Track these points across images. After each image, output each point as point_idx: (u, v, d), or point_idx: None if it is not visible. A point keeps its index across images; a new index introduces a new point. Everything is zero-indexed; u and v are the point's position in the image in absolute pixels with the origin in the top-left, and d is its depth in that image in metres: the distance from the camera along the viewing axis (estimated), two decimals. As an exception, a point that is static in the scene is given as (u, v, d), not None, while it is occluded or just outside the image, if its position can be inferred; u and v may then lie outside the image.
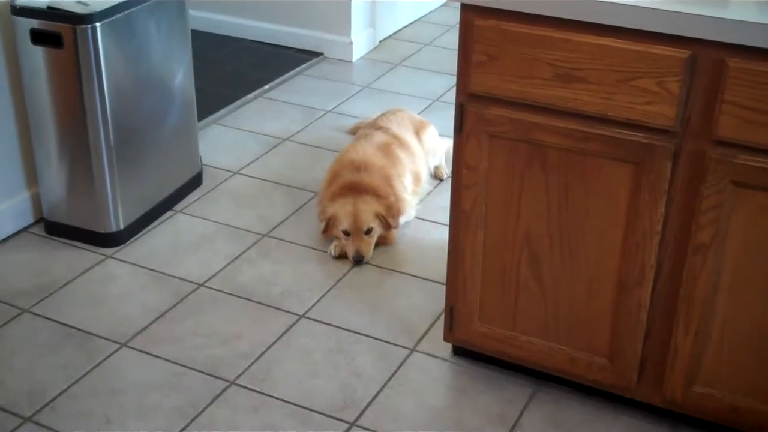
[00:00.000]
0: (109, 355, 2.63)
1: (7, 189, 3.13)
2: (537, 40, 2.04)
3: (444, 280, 2.47)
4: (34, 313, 2.79)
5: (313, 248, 3.14)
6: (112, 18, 2.88)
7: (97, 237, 3.12)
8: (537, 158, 2.16)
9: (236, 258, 3.08)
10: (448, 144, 3.48)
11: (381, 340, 2.70)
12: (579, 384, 2.43)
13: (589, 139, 2.08)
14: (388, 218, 3.10)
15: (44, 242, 3.15)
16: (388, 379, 2.55)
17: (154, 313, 2.80)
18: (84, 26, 2.82)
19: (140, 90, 3.11)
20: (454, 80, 2.24)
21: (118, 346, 2.66)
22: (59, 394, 2.48)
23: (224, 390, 2.50)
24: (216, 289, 2.92)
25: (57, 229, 3.16)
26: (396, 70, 4.63)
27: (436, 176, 3.62)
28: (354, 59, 4.72)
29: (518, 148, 2.17)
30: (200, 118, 3.69)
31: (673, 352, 2.20)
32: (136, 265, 3.04)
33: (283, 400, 2.47)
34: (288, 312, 2.82)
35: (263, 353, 2.64)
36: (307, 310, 2.83)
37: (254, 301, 2.86)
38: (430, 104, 4.23)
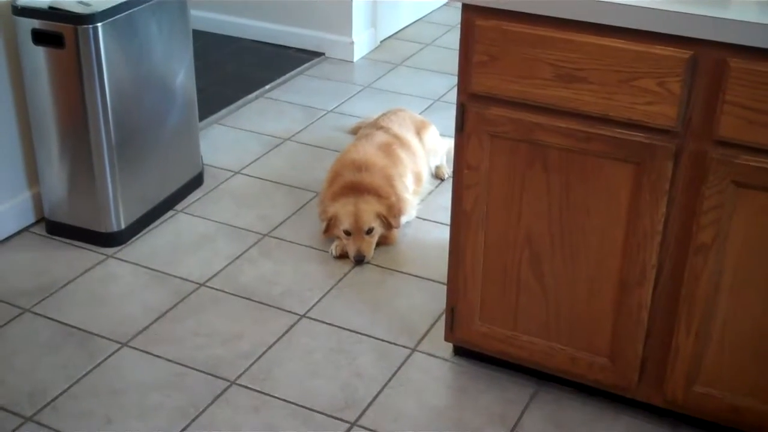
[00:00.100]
0: (110, 355, 2.63)
1: (9, 189, 3.14)
2: (538, 41, 2.04)
3: (445, 280, 2.47)
4: (35, 313, 2.80)
5: (314, 248, 3.14)
6: (114, 18, 2.88)
7: (98, 237, 3.12)
8: (538, 158, 2.16)
9: (237, 258, 3.08)
10: (449, 144, 3.48)
11: (382, 340, 2.70)
12: (580, 384, 2.43)
13: (590, 139, 2.08)
14: (389, 218, 3.10)
15: (45, 242, 3.15)
16: (389, 379, 2.55)
17: (155, 312, 2.80)
18: (85, 26, 2.82)
19: (141, 90, 3.11)
20: (455, 80, 2.24)
21: (119, 345, 2.66)
22: (60, 394, 2.48)
23: (225, 390, 2.50)
24: (217, 289, 2.92)
25: (58, 229, 3.17)
26: (397, 70, 4.63)
27: (437, 176, 3.62)
28: (355, 59, 4.72)
29: (519, 148, 2.17)
30: (201, 117, 3.70)
31: (674, 352, 2.20)
32: (137, 264, 3.04)
33: (284, 400, 2.47)
34: (289, 312, 2.82)
35: (264, 353, 2.64)
36: (308, 310, 2.83)
37: (255, 301, 2.87)
38: (432, 104, 4.23)
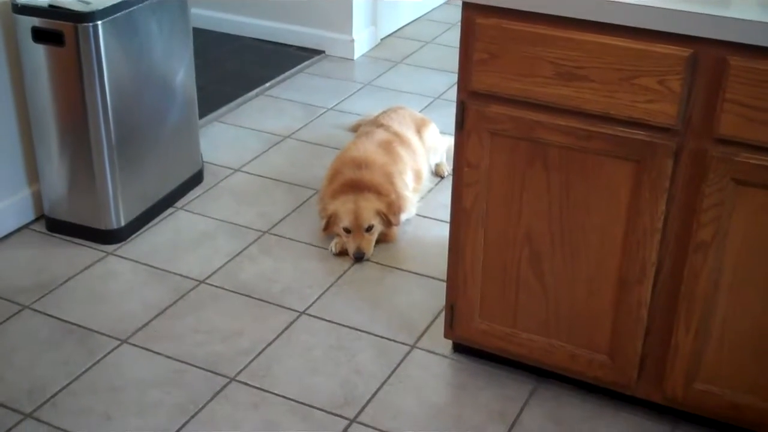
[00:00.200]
0: (110, 352, 2.63)
1: (9, 186, 3.14)
2: (538, 39, 2.04)
3: (445, 277, 2.47)
4: (35, 310, 2.80)
5: (313, 245, 3.14)
6: (114, 16, 2.88)
7: (98, 234, 3.12)
8: (538, 156, 2.16)
9: (237, 255, 3.08)
10: (449, 141, 3.48)
11: (381, 337, 2.70)
12: (579, 381, 2.44)
13: (590, 138, 2.08)
14: (389, 215, 3.10)
15: (45, 239, 3.15)
16: (389, 376, 2.55)
17: (155, 309, 2.81)
18: (85, 24, 2.82)
19: (141, 88, 3.11)
20: (455, 78, 2.24)
21: (119, 342, 2.67)
22: (59, 391, 2.48)
23: (225, 386, 2.50)
24: (217, 286, 2.92)
25: (58, 226, 3.17)
26: (397, 67, 4.63)
27: (437, 174, 3.62)
28: (355, 57, 4.72)
29: (519, 146, 2.18)
30: (201, 115, 3.70)
31: (673, 350, 2.20)
32: (136, 262, 3.04)
33: (283, 397, 2.47)
34: (288, 309, 2.82)
35: (264, 350, 2.64)
36: (308, 307, 2.83)
37: (255, 298, 2.87)
38: (432, 102, 4.23)
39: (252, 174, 3.59)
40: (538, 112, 2.12)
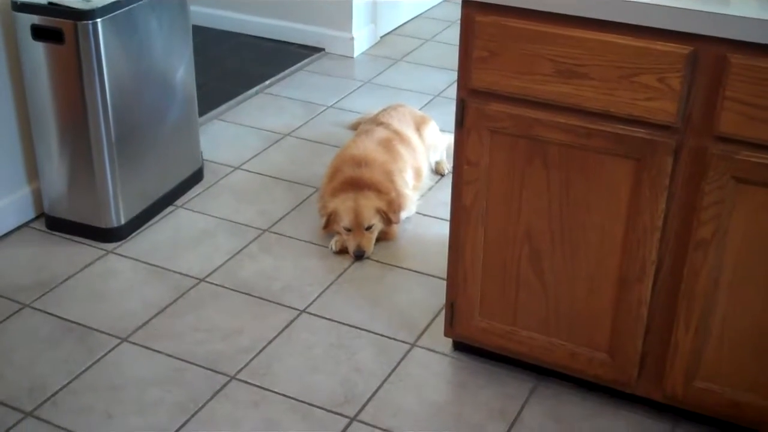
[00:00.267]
0: (110, 350, 2.63)
1: (8, 184, 3.14)
2: (538, 36, 2.04)
3: (445, 275, 2.47)
4: (35, 308, 2.80)
5: (313, 243, 3.14)
6: (113, 14, 2.88)
7: (98, 232, 3.12)
8: (538, 154, 2.16)
9: (237, 253, 3.08)
10: (449, 139, 3.48)
11: (382, 336, 2.70)
12: (579, 379, 2.43)
13: (590, 135, 2.08)
14: (389, 214, 3.10)
15: (45, 237, 3.15)
16: (389, 374, 2.55)
17: (155, 308, 2.80)
18: (85, 22, 2.82)
19: (141, 86, 3.11)
20: (455, 76, 2.24)
21: (119, 341, 2.67)
22: (60, 389, 2.48)
23: (225, 385, 2.50)
24: (217, 284, 2.92)
25: (58, 225, 3.17)
26: (397, 65, 4.63)
27: (437, 172, 3.62)
28: (355, 55, 4.72)
29: (519, 144, 2.17)
30: (201, 113, 3.69)
31: (673, 348, 2.20)
32: (136, 260, 3.04)
33: (283, 395, 2.47)
34: (289, 307, 2.82)
35: (264, 348, 2.64)
36: (308, 305, 2.83)
37: (255, 296, 2.87)
38: (431, 100, 4.23)
39: (252, 172, 3.59)
40: (538, 110, 2.12)
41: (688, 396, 2.24)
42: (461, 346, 2.61)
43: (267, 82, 4.36)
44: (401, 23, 5.16)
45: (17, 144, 3.13)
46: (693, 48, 1.92)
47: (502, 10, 2.06)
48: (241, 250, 3.10)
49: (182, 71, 3.29)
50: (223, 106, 4.10)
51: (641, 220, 2.11)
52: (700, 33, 1.89)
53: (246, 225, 3.24)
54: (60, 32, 2.84)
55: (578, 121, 2.08)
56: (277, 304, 2.83)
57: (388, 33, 5.02)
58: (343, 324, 2.75)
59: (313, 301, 2.85)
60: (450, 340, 2.63)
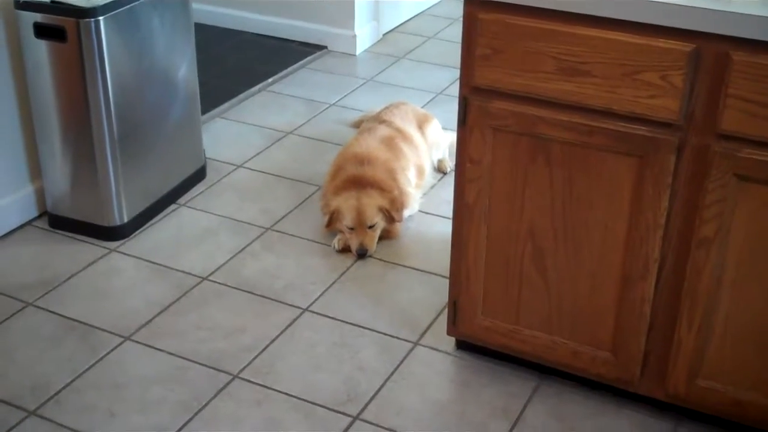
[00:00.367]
0: (113, 349, 2.63)
1: (11, 183, 3.14)
2: (541, 34, 2.03)
3: (447, 273, 2.47)
4: (38, 307, 2.80)
5: (316, 242, 3.14)
6: (116, 12, 2.88)
7: (101, 230, 3.12)
8: (541, 152, 2.16)
9: (240, 251, 3.08)
10: (451, 137, 3.48)
11: (384, 334, 2.70)
12: (582, 378, 2.43)
13: (593, 133, 2.08)
14: (392, 212, 3.10)
15: (48, 236, 3.16)
16: (392, 373, 2.55)
17: (158, 306, 2.81)
18: (87, 20, 2.82)
19: (144, 84, 3.11)
20: (457, 73, 2.23)
21: (122, 339, 2.67)
22: (63, 388, 2.48)
23: (228, 383, 2.50)
24: (219, 283, 2.92)
25: (61, 223, 3.17)
26: (400, 63, 4.63)
27: (440, 170, 3.62)
28: (358, 52, 4.72)
29: (522, 142, 2.17)
30: (204, 111, 3.69)
31: (676, 346, 2.20)
32: (139, 258, 3.04)
33: (286, 394, 2.47)
34: (291, 305, 2.82)
35: (267, 347, 2.64)
36: (311, 304, 2.83)
37: (258, 295, 2.87)
38: (434, 97, 4.23)
39: (254, 170, 3.59)
40: (541, 108, 2.12)
41: (690, 395, 2.24)
42: (464, 345, 2.60)
43: (269, 80, 4.36)
44: (403, 21, 5.16)
45: (20, 142, 3.13)
46: (695, 45, 1.91)
47: (505, 8, 2.05)
48: (243, 248, 3.10)
49: (185, 69, 3.29)
50: (226, 104, 4.10)
51: (644, 218, 2.11)
52: (702, 30, 1.89)
53: (248, 223, 3.24)
54: (62, 30, 2.84)
55: (581, 119, 2.08)
56: (280, 302, 2.83)
57: (390, 30, 5.02)
58: (346, 322, 2.75)
59: (316, 299, 2.85)
60: (453, 339, 2.63)
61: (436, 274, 2.96)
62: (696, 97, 1.96)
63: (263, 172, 3.58)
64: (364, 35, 4.74)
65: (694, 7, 1.88)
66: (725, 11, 1.86)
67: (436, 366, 2.58)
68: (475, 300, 2.41)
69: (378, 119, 3.54)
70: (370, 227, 3.06)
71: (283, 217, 3.28)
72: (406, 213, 3.23)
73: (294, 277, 2.95)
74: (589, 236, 2.20)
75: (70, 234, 3.15)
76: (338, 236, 3.10)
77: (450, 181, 3.33)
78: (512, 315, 2.39)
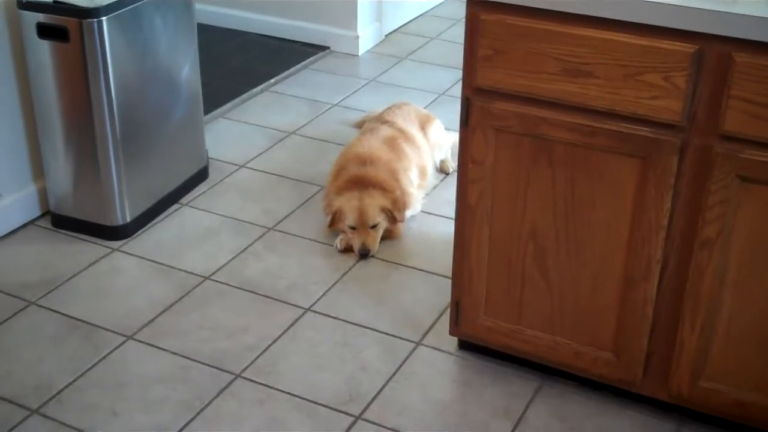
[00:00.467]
0: (115, 348, 2.63)
1: (14, 182, 3.14)
2: (543, 35, 2.04)
3: (450, 273, 2.47)
4: (41, 306, 2.80)
5: (318, 242, 3.15)
6: (118, 12, 2.89)
7: (104, 230, 3.12)
8: (543, 153, 2.16)
9: (242, 251, 3.08)
10: (454, 138, 3.47)
11: (387, 334, 2.70)
12: (584, 378, 2.43)
13: (595, 134, 2.08)
14: (394, 212, 3.10)
15: (51, 235, 3.16)
16: (394, 373, 2.55)
17: (160, 306, 2.81)
18: (90, 20, 2.82)
19: (146, 84, 3.11)
20: (460, 74, 2.23)
21: (124, 338, 2.67)
22: (65, 387, 2.48)
23: (230, 383, 2.51)
24: (222, 283, 2.93)
25: (63, 222, 3.17)
26: (402, 63, 4.63)
27: (442, 170, 3.62)
28: (360, 53, 4.72)
29: (524, 143, 2.17)
30: (206, 111, 3.69)
31: (678, 347, 2.20)
32: (142, 258, 3.04)
33: (288, 393, 2.47)
34: (294, 305, 2.82)
35: (269, 346, 2.65)
36: (313, 304, 2.83)
37: (260, 295, 2.87)
38: (437, 98, 4.23)
39: (257, 170, 3.59)
40: (543, 109, 2.12)
41: (693, 395, 2.24)
42: (466, 345, 2.61)
43: (272, 81, 4.36)
44: (406, 21, 5.16)
45: (23, 142, 3.13)
46: (698, 47, 1.91)
47: (507, 9, 2.06)
48: (246, 248, 3.10)
49: (187, 69, 3.29)
50: (228, 105, 4.10)
51: (646, 219, 2.11)
52: (705, 32, 1.89)
53: (251, 223, 3.24)
54: (65, 30, 2.84)
55: (583, 120, 2.08)
56: (282, 302, 2.84)
57: (393, 31, 5.02)
58: (348, 322, 2.75)
59: (318, 299, 2.85)
60: (455, 339, 2.63)
61: (438, 275, 2.96)
62: (699, 98, 1.96)
63: (266, 172, 3.58)
64: (366, 36, 4.75)
65: (697, 8, 1.88)
66: (728, 12, 1.86)
67: (439, 366, 2.58)
68: (477, 300, 2.42)
69: (380, 120, 3.54)
70: (373, 227, 3.06)
71: (285, 217, 3.28)
72: (409, 213, 3.23)
73: (296, 277, 2.95)
74: (591, 237, 2.20)
75: (73, 233, 3.15)
76: (340, 236, 3.11)
77: (452, 181, 3.33)
78: (514, 315, 2.39)
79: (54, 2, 2.84)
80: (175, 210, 3.32)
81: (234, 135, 3.87)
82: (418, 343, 2.67)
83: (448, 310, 2.59)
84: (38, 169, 3.19)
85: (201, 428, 2.36)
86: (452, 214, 2.43)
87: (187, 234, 3.18)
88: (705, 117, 1.97)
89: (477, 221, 2.31)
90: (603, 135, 2.07)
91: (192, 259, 3.04)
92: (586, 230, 2.20)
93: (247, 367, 2.56)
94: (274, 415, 2.40)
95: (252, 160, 3.66)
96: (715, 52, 1.91)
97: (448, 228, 3.06)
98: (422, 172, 3.43)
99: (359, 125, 3.84)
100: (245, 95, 4.20)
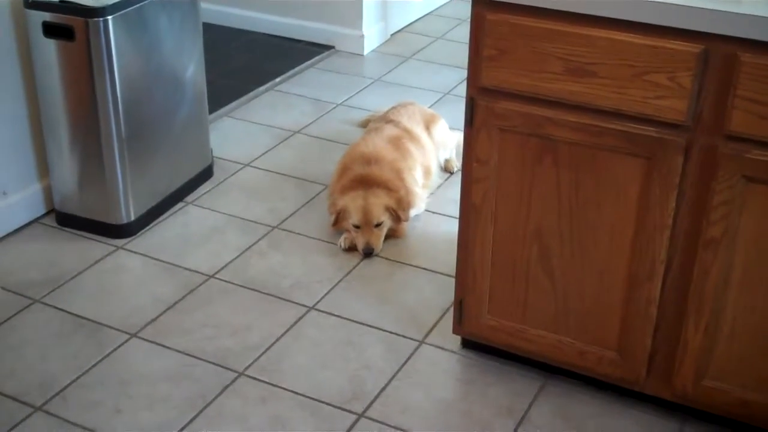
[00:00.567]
0: (120, 346, 2.64)
1: (20, 180, 3.15)
2: (548, 35, 2.04)
3: (454, 273, 2.47)
4: (45, 304, 2.81)
5: (323, 240, 3.15)
6: (124, 11, 2.89)
7: (108, 228, 3.13)
8: (548, 152, 2.16)
9: (246, 250, 3.09)
10: (458, 137, 3.48)
11: (390, 333, 2.70)
12: (588, 377, 2.43)
13: (600, 134, 2.08)
14: (399, 211, 3.11)
15: (55, 233, 3.17)
16: (397, 371, 2.55)
17: (164, 304, 2.81)
18: (96, 19, 2.83)
19: (152, 83, 3.11)
20: (465, 74, 2.23)
21: (129, 336, 2.68)
22: (69, 384, 2.49)
23: (234, 381, 2.51)
24: (226, 281, 2.93)
25: (68, 221, 3.18)
26: (407, 63, 4.63)
27: (447, 169, 3.62)
28: (365, 52, 4.72)
29: (529, 143, 2.17)
30: (211, 110, 3.70)
31: (682, 347, 2.20)
32: (146, 256, 3.05)
33: (292, 392, 2.47)
34: (297, 304, 2.83)
35: (273, 345, 2.65)
36: (317, 302, 2.83)
37: (264, 293, 2.87)
38: (441, 97, 4.23)
39: (262, 169, 3.59)
40: (548, 109, 2.12)
41: (697, 395, 2.24)
42: (470, 344, 2.61)
43: (277, 80, 4.36)
44: (411, 21, 5.16)
45: (28, 140, 3.14)
46: (704, 47, 1.91)
47: (512, 9, 2.06)
48: (250, 246, 3.11)
49: (192, 68, 3.30)
50: (233, 104, 4.11)
51: (651, 219, 2.11)
52: (711, 32, 1.89)
53: (255, 222, 3.25)
54: (71, 29, 2.85)
55: (588, 120, 2.08)
56: (286, 300, 2.84)
57: (398, 31, 5.02)
58: (352, 321, 2.75)
59: (322, 298, 2.86)
60: (458, 338, 2.63)
61: (442, 274, 2.96)
62: (704, 98, 1.96)
63: (270, 171, 3.58)
64: (372, 35, 4.75)
65: (703, 8, 1.88)
66: (734, 12, 1.86)
67: (442, 364, 2.58)
68: (481, 299, 2.42)
69: (385, 119, 3.54)
70: (377, 226, 3.07)
71: (289, 216, 3.28)
72: (413, 212, 3.23)
73: (300, 276, 2.96)
74: (595, 237, 2.20)
75: (78, 231, 3.16)
76: (344, 235, 3.11)
77: (457, 181, 3.33)
78: (518, 314, 2.39)
79: (60, 1, 2.85)
80: (180, 208, 3.33)
81: (239, 134, 3.87)
82: (421, 342, 2.67)
83: (452, 309, 2.59)
84: (43, 167, 3.19)
85: (204, 426, 2.36)
86: (456, 213, 2.43)
87: (191, 232, 3.18)
88: (710, 117, 1.97)
89: (481, 220, 2.31)
90: (608, 135, 2.07)
91: (196, 257, 3.04)
92: (590, 230, 2.20)
93: (250, 365, 2.57)
94: (277, 413, 2.41)
95: (257, 159, 3.66)
96: (721, 52, 1.91)
97: (452, 227, 3.06)
98: (427, 172, 3.43)
99: (364, 124, 3.84)
100: (250, 94, 4.21)
